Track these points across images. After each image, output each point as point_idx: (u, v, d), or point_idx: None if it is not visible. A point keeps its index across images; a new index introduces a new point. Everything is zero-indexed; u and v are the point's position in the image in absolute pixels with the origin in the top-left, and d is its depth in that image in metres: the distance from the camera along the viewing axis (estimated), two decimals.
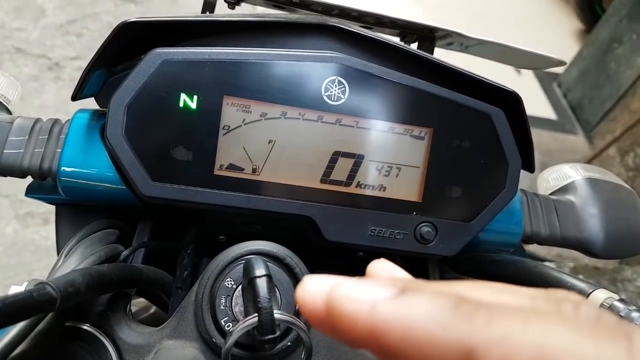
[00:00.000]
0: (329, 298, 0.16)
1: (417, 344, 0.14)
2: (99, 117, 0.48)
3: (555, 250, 2.16)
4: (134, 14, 2.60)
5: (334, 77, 0.45)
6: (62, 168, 0.46)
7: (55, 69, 2.24)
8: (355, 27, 0.47)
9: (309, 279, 0.17)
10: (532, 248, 2.10)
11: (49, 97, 2.15)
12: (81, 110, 0.49)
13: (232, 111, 0.43)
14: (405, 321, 0.14)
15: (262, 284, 0.36)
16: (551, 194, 0.62)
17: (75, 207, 0.53)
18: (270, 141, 0.44)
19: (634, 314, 0.41)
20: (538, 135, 2.67)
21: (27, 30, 2.32)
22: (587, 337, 0.13)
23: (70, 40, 2.36)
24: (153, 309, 0.77)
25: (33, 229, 1.79)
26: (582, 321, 0.14)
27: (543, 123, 2.77)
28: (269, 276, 0.37)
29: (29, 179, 0.50)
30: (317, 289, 0.17)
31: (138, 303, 0.75)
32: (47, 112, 2.08)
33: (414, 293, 0.15)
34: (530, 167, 0.51)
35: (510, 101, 0.48)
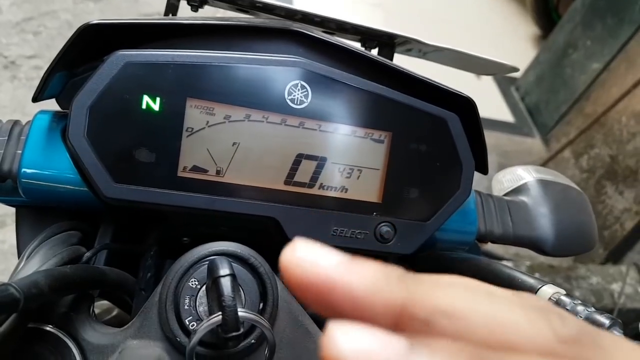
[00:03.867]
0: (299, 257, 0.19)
1: (360, 297, 0.17)
2: (60, 119, 0.48)
3: (512, 250, 2.23)
4: (93, 12, 2.55)
5: (297, 82, 0.46)
6: (23, 170, 0.46)
7: (12, 68, 2.18)
8: (317, 33, 0.48)
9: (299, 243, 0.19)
10: (490, 247, 2.16)
11: (5, 97, 2.09)
12: (42, 112, 0.49)
13: (195, 113, 0.44)
14: (358, 276, 0.17)
15: (226, 283, 0.37)
16: (505, 194, 0.65)
17: (36, 209, 0.52)
18: (234, 143, 0.45)
19: (579, 307, 0.44)
20: (496, 138, 2.74)
21: None
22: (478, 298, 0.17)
23: (27, 38, 2.30)
24: (116, 311, 0.76)
25: None
26: (489, 294, 0.17)
27: (501, 126, 2.84)
28: (233, 275, 0.38)
29: None
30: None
31: (100, 305, 0.75)
32: (4, 111, 2.02)
33: (366, 263, 0.18)
34: (483, 169, 0.53)
35: (465, 106, 0.50)
